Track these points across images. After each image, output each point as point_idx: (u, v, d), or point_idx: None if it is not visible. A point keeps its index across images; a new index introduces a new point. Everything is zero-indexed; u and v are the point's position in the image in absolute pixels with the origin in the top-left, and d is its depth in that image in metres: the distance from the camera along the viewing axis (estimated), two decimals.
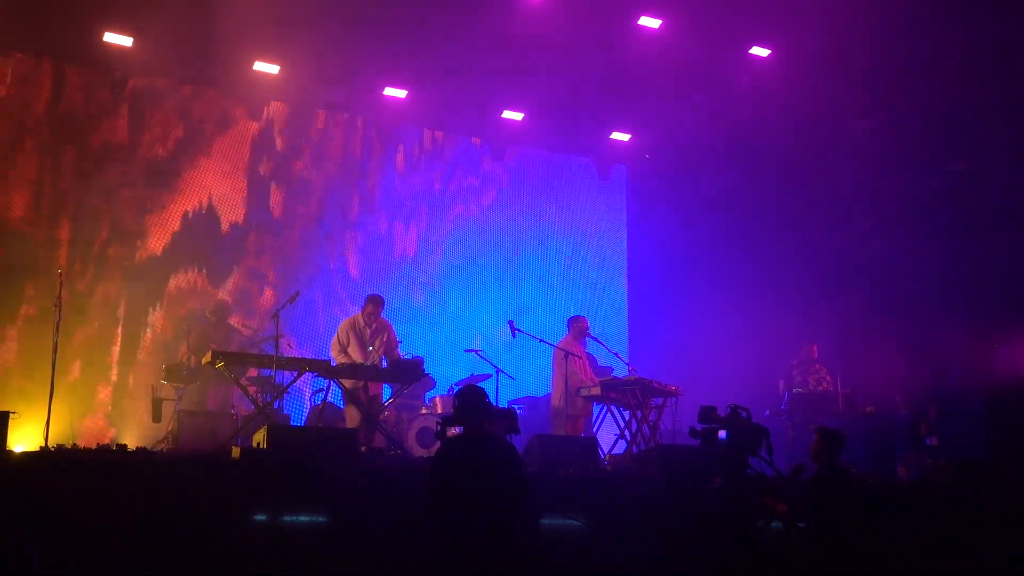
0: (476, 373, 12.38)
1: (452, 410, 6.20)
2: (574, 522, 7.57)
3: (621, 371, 11.68)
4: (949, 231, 11.79)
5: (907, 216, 12.09)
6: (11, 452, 7.18)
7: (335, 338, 10.55)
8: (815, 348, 12.16)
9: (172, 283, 12.59)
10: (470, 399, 6.15)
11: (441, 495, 5.92)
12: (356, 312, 10.83)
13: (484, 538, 5.76)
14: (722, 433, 7.07)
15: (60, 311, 9.27)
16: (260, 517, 6.94)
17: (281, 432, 8.16)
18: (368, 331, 10.52)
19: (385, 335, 10.59)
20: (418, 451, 10.49)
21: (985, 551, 7.74)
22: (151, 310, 12.44)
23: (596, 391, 10.70)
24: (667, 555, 7.56)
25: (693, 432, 7.20)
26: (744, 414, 7.02)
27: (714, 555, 7.67)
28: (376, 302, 10.65)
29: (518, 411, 12.61)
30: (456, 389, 11.92)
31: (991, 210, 11.47)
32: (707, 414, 7.06)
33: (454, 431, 6.28)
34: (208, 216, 13.01)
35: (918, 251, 11.97)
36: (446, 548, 5.84)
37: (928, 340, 11.40)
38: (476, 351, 12.34)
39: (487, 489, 5.82)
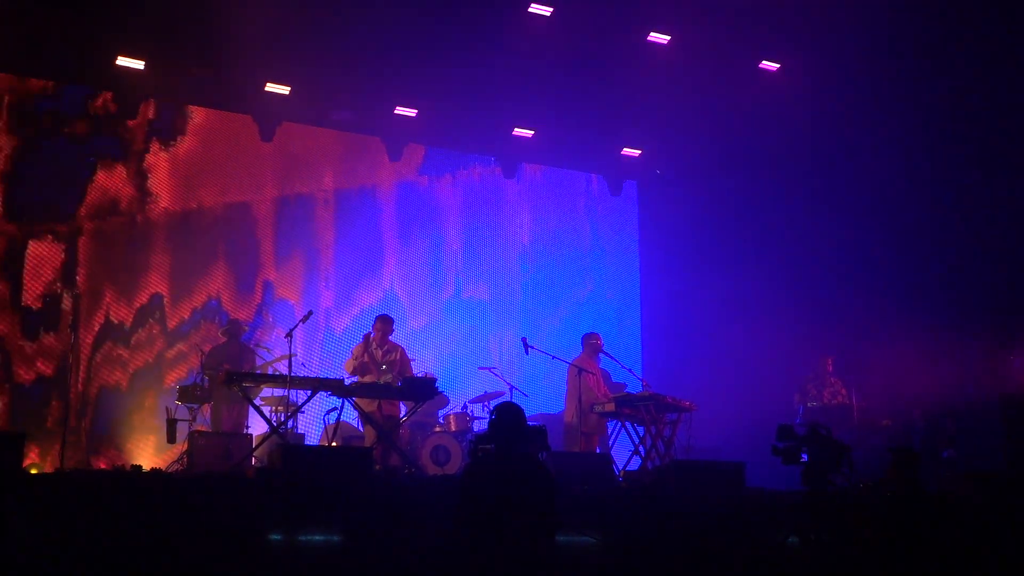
0: (489, 391, 12.37)
1: (487, 427, 6.12)
2: (589, 539, 7.54)
3: (635, 387, 11.66)
4: (965, 241, 11.73)
5: (922, 227, 12.04)
6: (26, 473, 7.20)
7: (349, 359, 10.58)
8: (830, 361, 12.10)
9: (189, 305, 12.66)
10: (505, 417, 5.98)
11: (467, 512, 5.76)
12: (368, 332, 10.86)
13: (508, 556, 5.62)
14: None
15: (76, 333, 9.33)
16: (275, 536, 6.93)
17: (295, 451, 8.17)
18: (380, 351, 10.55)
19: (396, 355, 10.62)
20: (432, 469, 10.47)
21: (1004, 564, 7.66)
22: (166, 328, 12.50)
23: (610, 407, 10.67)
24: (683, 571, 7.52)
25: (775, 450, 7.23)
26: (824, 431, 7.08)
27: (730, 571, 7.64)
28: (385, 321, 10.72)
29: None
30: (467, 407, 11.95)
31: (1007, 219, 11.41)
32: (785, 432, 7.13)
33: (488, 448, 6.16)
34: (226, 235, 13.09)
35: (933, 262, 11.91)
36: (472, 565, 5.73)
37: (945, 352, 11.32)
38: (489, 368, 12.34)
39: (513, 508, 5.65)
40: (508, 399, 11.68)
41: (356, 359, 10.50)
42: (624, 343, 14.85)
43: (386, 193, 14.15)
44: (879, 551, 6.88)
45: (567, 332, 14.40)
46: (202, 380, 10.73)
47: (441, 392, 10.53)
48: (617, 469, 10.15)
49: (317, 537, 7.06)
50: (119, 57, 11.81)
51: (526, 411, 12.72)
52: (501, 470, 5.80)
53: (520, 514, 5.62)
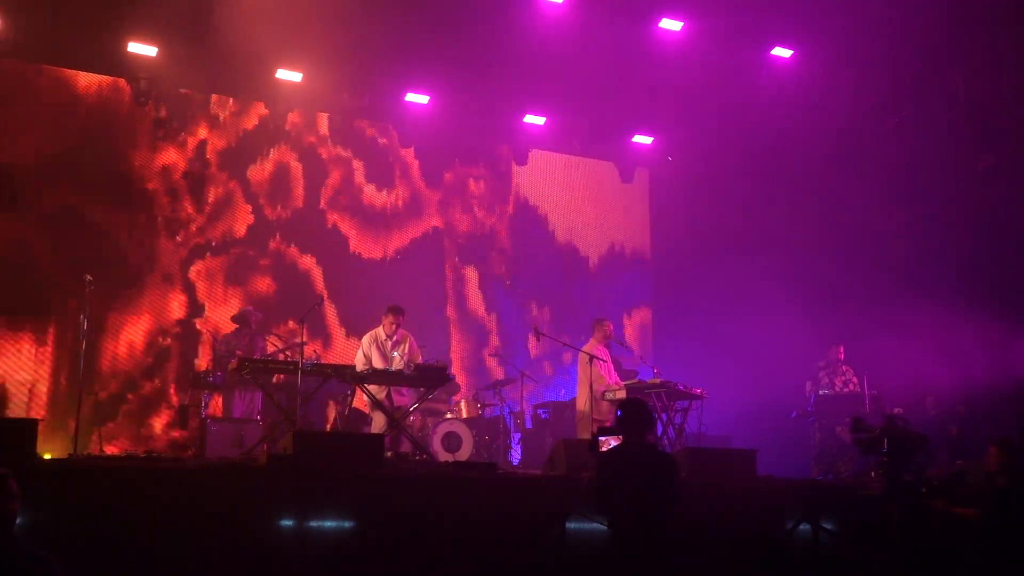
0: (500, 378, 12.38)
1: (615, 421, 6.59)
2: (601, 525, 7.54)
3: (646, 374, 11.65)
4: (978, 228, 11.68)
5: (935, 214, 11.99)
6: (40, 459, 7.23)
7: (359, 352, 10.56)
8: (842, 349, 12.07)
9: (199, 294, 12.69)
10: (634, 411, 6.48)
11: (603, 502, 6.29)
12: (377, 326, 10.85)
13: (639, 541, 6.08)
14: None
15: (87, 320, 9.36)
16: (287, 523, 6.95)
17: (307, 438, 8.18)
18: (389, 343, 10.53)
19: (405, 345, 10.59)
20: (443, 456, 10.48)
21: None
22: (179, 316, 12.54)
23: (621, 395, 10.65)
24: (694, 558, 7.51)
25: (857, 441, 7.39)
26: (901, 422, 7.19)
27: (742, 557, 7.64)
28: (395, 312, 10.65)
29: (542, 415, 12.63)
30: (478, 394, 11.96)
31: (1020, 205, 11.35)
32: (859, 424, 7.28)
33: (609, 442, 6.68)
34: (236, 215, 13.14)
35: (946, 249, 11.87)
36: (609, 550, 6.20)
37: (957, 339, 11.28)
38: (500, 355, 12.35)
39: (644, 496, 6.13)
40: (519, 386, 11.70)
41: (365, 356, 10.44)
42: (636, 330, 14.87)
43: (396, 180, 14.15)
44: (983, 540, 6.91)
45: (578, 318, 14.43)
46: (214, 367, 10.76)
47: (452, 379, 10.52)
48: None
49: (329, 523, 7.08)
50: (130, 43, 11.84)
51: (538, 398, 12.85)
52: (632, 460, 6.29)
53: (650, 494, 6.13)
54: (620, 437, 6.68)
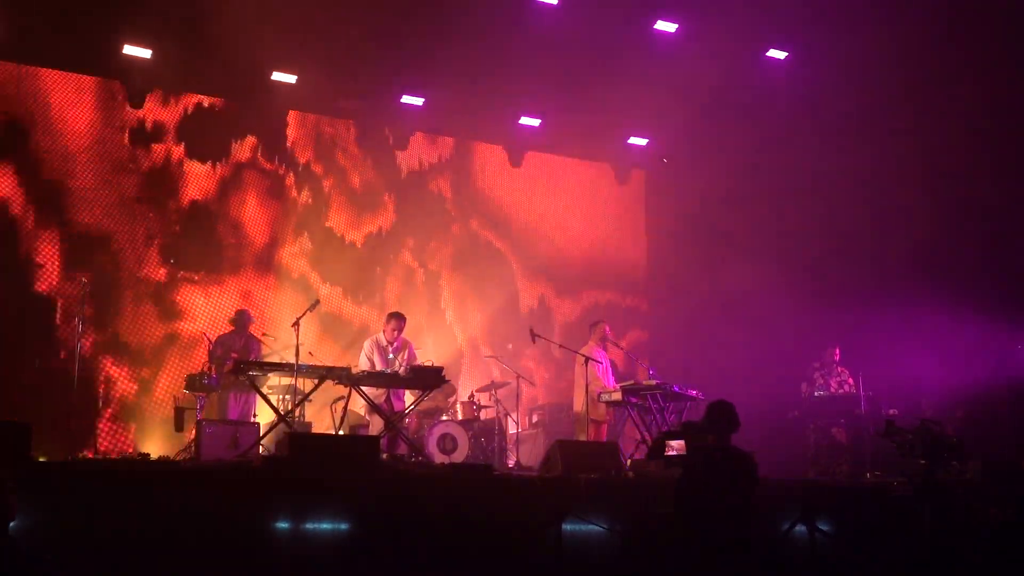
0: (496, 380, 12.37)
1: (700, 423, 6.80)
2: (597, 527, 7.55)
3: (642, 376, 11.65)
4: (973, 230, 11.70)
5: (931, 217, 12.00)
6: (35, 461, 7.20)
7: (361, 356, 10.57)
8: (837, 350, 12.06)
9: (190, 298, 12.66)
10: (721, 413, 6.64)
11: (688, 504, 6.44)
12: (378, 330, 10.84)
13: (725, 544, 6.25)
14: None
15: (82, 322, 9.34)
16: (282, 525, 6.94)
17: (303, 440, 8.17)
18: (390, 348, 10.54)
19: (405, 352, 10.62)
20: (439, 457, 10.47)
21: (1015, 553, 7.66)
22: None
23: (617, 396, 10.67)
24: (690, 559, 7.51)
25: (896, 444, 7.53)
26: (936, 427, 7.31)
27: (738, 559, 7.62)
28: (398, 318, 10.68)
29: (538, 417, 12.61)
30: (474, 396, 11.94)
31: (1017, 207, 11.37)
32: (891, 427, 7.52)
33: (672, 446, 6.93)
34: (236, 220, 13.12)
35: (942, 250, 11.88)
36: (693, 552, 6.33)
37: (953, 341, 11.29)
38: (496, 357, 12.34)
39: (729, 498, 6.31)
40: (515, 387, 11.67)
41: (369, 361, 10.44)
42: (631, 331, 14.85)
43: (390, 183, 14.12)
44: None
45: (575, 320, 14.42)
46: (210, 369, 10.74)
47: (448, 381, 10.52)
48: (624, 458, 10.14)
49: (325, 525, 7.06)
50: (125, 46, 11.81)
51: (532, 400, 12.80)
52: (717, 462, 6.49)
53: (737, 500, 6.33)
54: (683, 442, 6.87)
